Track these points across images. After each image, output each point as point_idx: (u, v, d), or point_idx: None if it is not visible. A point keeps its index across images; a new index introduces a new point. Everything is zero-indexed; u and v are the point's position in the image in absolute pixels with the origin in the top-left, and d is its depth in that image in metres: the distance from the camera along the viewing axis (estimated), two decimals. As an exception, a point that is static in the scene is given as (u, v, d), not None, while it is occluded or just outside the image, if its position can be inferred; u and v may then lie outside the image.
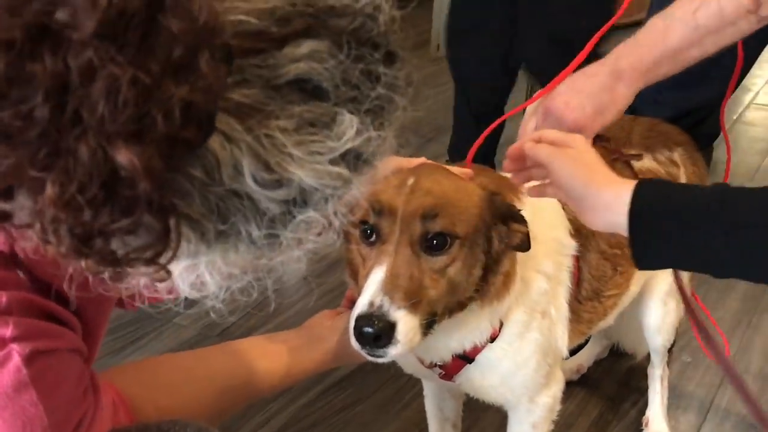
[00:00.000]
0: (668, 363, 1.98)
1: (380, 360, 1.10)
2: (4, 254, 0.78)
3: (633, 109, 2.25)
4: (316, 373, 1.30)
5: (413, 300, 1.09)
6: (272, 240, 0.66)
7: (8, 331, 0.77)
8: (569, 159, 1.06)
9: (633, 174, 1.44)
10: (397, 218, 1.12)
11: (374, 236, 1.15)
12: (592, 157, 1.07)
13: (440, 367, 1.34)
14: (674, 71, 1.31)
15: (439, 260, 1.13)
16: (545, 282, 1.32)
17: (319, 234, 0.70)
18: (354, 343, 1.08)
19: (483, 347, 1.30)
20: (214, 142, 0.59)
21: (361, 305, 1.07)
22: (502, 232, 1.19)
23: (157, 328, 2.31)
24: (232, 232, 0.64)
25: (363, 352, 1.09)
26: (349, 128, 0.63)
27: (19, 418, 0.78)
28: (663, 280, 1.71)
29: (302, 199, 0.64)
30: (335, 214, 0.68)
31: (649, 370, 1.97)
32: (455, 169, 1.26)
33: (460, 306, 1.20)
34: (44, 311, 0.81)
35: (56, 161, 0.57)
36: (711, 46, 1.27)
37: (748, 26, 1.24)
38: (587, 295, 1.44)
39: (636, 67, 1.28)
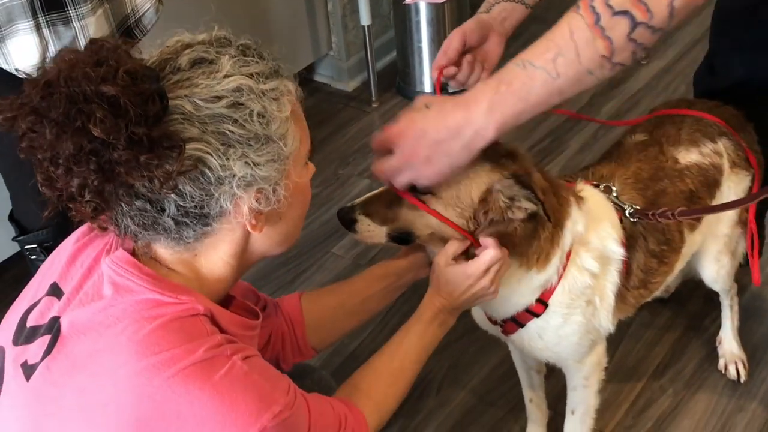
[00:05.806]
0: (738, 291, 2.24)
1: (355, 236, 1.53)
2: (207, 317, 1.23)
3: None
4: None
5: (381, 215, 1.49)
6: None
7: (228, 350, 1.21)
8: None
9: None
10: None
11: None
12: None
13: (500, 324, 1.69)
14: (532, 116, 1.35)
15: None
16: (589, 278, 1.62)
17: None
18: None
19: (530, 317, 1.63)
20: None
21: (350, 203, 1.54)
22: (500, 207, 1.45)
23: (318, 259, 2.79)
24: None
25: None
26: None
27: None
28: (714, 242, 1.98)
29: None
30: None
31: (721, 300, 2.24)
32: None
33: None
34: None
35: None
36: (569, 93, 1.32)
37: (602, 74, 1.30)
38: (635, 285, 1.74)
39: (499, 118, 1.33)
